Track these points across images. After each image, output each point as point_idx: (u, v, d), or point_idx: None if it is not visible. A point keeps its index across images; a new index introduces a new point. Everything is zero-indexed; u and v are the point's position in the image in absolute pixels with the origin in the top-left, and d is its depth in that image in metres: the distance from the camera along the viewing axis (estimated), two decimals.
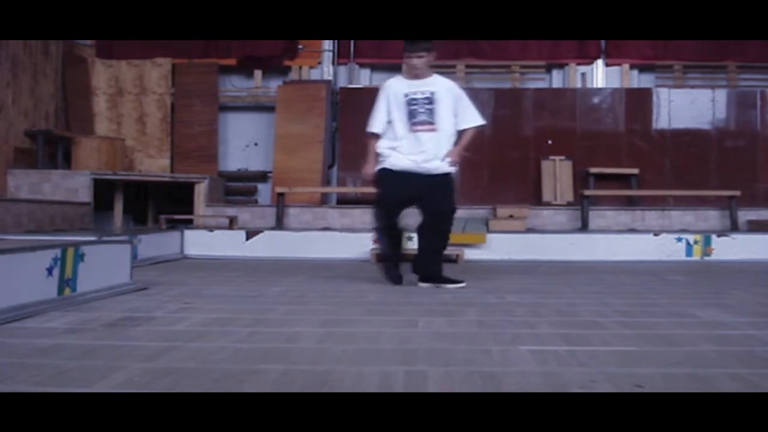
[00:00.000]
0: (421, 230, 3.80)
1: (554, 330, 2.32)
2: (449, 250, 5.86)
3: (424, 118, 3.70)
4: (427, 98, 3.71)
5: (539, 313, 2.72)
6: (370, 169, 3.84)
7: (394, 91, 3.77)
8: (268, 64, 8.62)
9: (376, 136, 3.82)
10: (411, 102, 3.71)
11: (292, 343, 2.10)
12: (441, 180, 3.73)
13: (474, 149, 7.93)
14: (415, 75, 3.76)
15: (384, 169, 3.75)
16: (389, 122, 3.78)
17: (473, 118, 3.82)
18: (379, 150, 3.80)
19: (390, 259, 3.89)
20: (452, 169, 3.78)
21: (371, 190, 8.03)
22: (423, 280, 3.72)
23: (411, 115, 3.71)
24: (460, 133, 3.81)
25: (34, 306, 2.59)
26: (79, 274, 2.98)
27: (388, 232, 3.83)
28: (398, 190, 3.70)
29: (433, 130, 3.70)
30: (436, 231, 3.76)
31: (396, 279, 3.81)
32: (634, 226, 7.23)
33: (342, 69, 8.74)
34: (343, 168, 8.16)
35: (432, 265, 3.74)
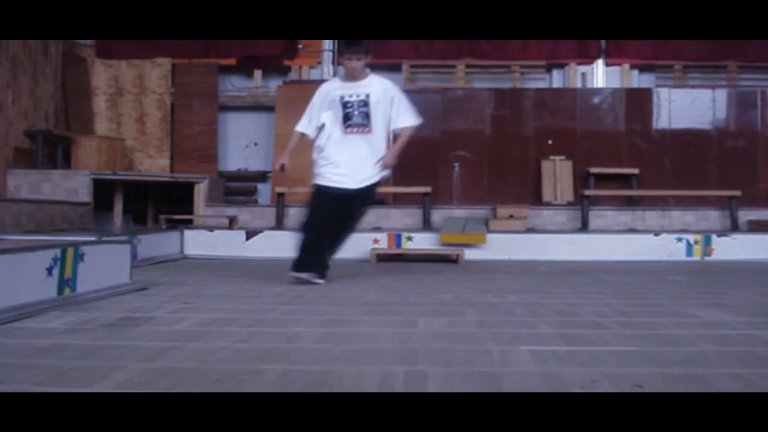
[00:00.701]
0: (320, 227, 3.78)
1: (554, 330, 2.32)
2: (449, 250, 5.88)
3: (359, 120, 3.73)
4: (362, 101, 3.73)
5: (539, 313, 2.72)
6: (282, 160, 3.93)
7: (328, 93, 3.82)
8: (268, 64, 8.62)
9: (300, 133, 3.92)
10: (346, 105, 3.74)
11: (292, 343, 2.10)
12: (364, 193, 3.79)
13: (474, 149, 7.98)
14: (352, 77, 3.79)
15: (316, 186, 3.81)
16: (321, 125, 3.82)
17: (408, 119, 3.84)
18: (314, 156, 3.87)
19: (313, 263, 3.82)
20: (378, 179, 3.81)
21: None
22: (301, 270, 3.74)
23: (346, 117, 3.74)
24: (396, 135, 3.84)
25: (34, 306, 2.59)
26: (79, 274, 2.98)
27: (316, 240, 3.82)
28: (326, 211, 3.76)
29: (367, 132, 3.73)
30: (338, 231, 3.84)
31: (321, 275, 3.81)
32: (635, 226, 7.23)
33: (342, 69, 8.73)
34: None
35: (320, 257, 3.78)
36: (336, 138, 3.76)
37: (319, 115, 3.84)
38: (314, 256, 3.78)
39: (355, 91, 3.75)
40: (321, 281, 3.78)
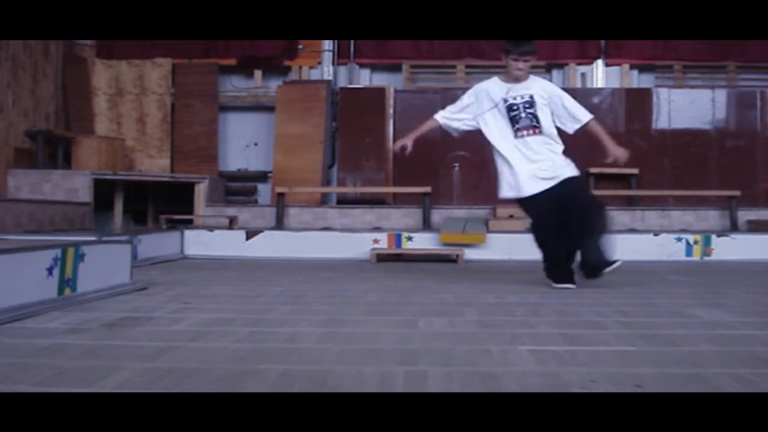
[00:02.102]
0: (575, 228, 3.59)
1: (554, 330, 2.32)
2: (449, 250, 5.88)
3: (527, 123, 3.60)
4: (527, 102, 3.61)
5: (539, 313, 2.72)
6: (402, 143, 3.77)
7: (487, 93, 3.67)
8: (268, 64, 8.62)
9: (434, 120, 3.78)
10: (512, 107, 3.61)
11: (292, 343, 2.10)
12: (569, 181, 3.62)
13: (474, 149, 7.97)
14: (514, 78, 3.65)
15: (530, 198, 3.61)
16: (463, 119, 3.71)
17: (585, 113, 3.76)
18: (498, 167, 3.71)
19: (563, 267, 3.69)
20: (576, 172, 3.67)
21: (371, 190, 8.04)
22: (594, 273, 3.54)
23: (513, 120, 3.61)
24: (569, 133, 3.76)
25: (34, 306, 2.59)
26: (80, 274, 2.98)
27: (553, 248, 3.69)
28: (547, 211, 3.59)
29: (538, 133, 3.60)
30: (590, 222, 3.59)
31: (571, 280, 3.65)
32: (634, 226, 7.23)
33: (342, 69, 8.74)
34: (343, 168, 8.16)
35: (601, 255, 3.52)
36: (509, 143, 3.63)
37: (467, 114, 3.72)
38: (564, 264, 3.65)
39: (519, 92, 3.62)
40: (571, 286, 3.59)
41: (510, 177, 3.67)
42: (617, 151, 3.78)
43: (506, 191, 3.72)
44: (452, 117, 3.78)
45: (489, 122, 3.69)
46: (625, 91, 8.27)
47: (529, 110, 3.61)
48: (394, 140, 8.09)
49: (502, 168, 3.72)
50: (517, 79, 3.65)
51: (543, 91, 3.67)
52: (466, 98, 3.76)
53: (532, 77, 3.73)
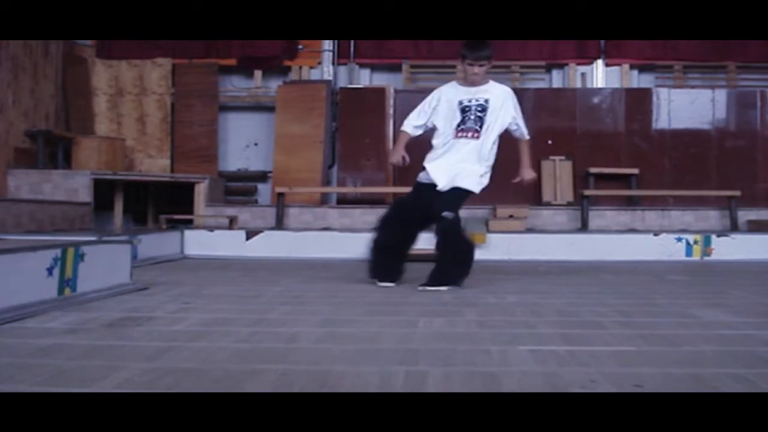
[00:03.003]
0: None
1: (554, 330, 2.32)
2: None
3: (471, 125, 3.64)
4: (480, 105, 3.66)
5: (539, 313, 2.72)
6: (397, 156, 3.80)
7: (448, 98, 3.71)
8: (268, 64, 8.62)
9: (404, 133, 3.81)
10: (465, 109, 3.66)
11: (292, 343, 2.10)
12: (448, 194, 3.63)
13: None
14: (471, 82, 3.69)
15: (416, 183, 3.73)
16: (432, 127, 3.75)
17: (525, 130, 3.84)
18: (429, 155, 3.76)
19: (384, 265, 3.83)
20: (470, 188, 3.67)
21: (371, 190, 8.04)
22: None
23: (461, 121, 3.65)
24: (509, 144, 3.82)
25: (34, 306, 2.59)
26: (80, 274, 2.98)
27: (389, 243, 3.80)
28: (417, 206, 3.69)
29: (476, 137, 3.64)
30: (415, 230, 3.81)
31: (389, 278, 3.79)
32: (634, 226, 7.23)
33: (342, 69, 8.74)
34: (343, 168, 8.16)
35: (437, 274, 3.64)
36: (444, 142, 3.69)
37: (430, 117, 3.75)
38: (385, 261, 3.81)
39: (475, 95, 3.67)
40: (391, 285, 3.73)
41: (430, 164, 3.72)
42: (529, 174, 3.87)
43: (421, 176, 3.78)
44: (419, 124, 3.81)
45: (440, 122, 3.73)
46: (625, 91, 8.27)
47: (479, 113, 3.66)
48: (394, 140, 8.09)
49: (429, 157, 3.76)
50: (473, 83, 3.70)
51: (499, 97, 3.71)
52: (431, 102, 3.78)
53: (491, 82, 3.78)
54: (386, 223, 3.84)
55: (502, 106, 3.69)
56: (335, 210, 7.49)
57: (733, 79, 8.44)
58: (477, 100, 3.66)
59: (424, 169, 3.79)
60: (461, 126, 3.65)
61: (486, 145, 3.66)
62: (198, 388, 1.54)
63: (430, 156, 3.78)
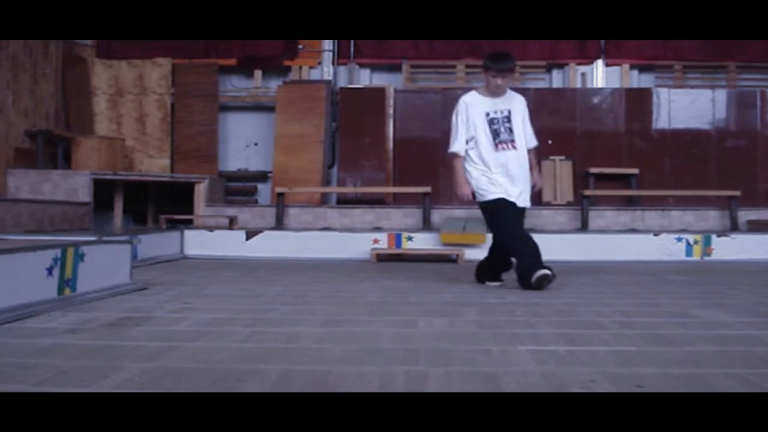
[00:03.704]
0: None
1: (554, 330, 2.32)
2: (449, 250, 5.88)
3: (506, 137, 3.70)
4: (505, 117, 3.71)
5: (539, 313, 2.72)
6: (467, 189, 3.78)
7: (475, 109, 3.72)
8: (268, 64, 8.62)
9: (458, 156, 3.79)
10: (492, 121, 3.70)
11: (292, 343, 2.10)
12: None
13: None
14: (493, 93, 3.73)
15: (501, 200, 3.69)
16: (471, 140, 3.75)
17: (534, 138, 3.88)
18: (471, 174, 3.76)
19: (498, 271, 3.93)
20: (528, 204, 3.83)
21: (371, 190, 8.04)
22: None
23: (495, 133, 3.70)
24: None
25: (34, 306, 2.59)
26: (79, 274, 2.98)
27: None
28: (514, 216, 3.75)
29: (514, 148, 3.70)
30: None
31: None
32: (634, 226, 7.23)
33: (342, 69, 8.74)
34: (343, 168, 8.16)
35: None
36: (489, 155, 3.70)
37: (466, 132, 3.75)
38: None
39: (499, 107, 3.72)
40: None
41: (490, 182, 3.70)
42: (539, 180, 3.94)
43: (490, 193, 3.71)
44: (466, 140, 3.77)
45: (475, 133, 3.74)
46: (625, 91, 8.27)
47: (507, 124, 3.72)
48: (394, 140, 8.11)
49: (481, 176, 3.73)
50: (496, 94, 3.73)
51: (520, 106, 3.79)
52: (462, 115, 3.78)
53: (510, 92, 3.82)
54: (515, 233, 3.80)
55: (522, 117, 3.78)
56: (335, 210, 7.49)
57: (733, 79, 8.44)
58: (502, 112, 3.72)
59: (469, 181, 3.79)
60: (497, 139, 3.70)
61: (523, 154, 3.74)
62: (198, 388, 1.54)
63: (481, 170, 3.74)
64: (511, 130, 3.71)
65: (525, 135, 3.78)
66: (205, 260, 5.74)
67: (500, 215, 3.71)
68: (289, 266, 5.16)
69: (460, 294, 3.41)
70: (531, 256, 3.58)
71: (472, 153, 3.74)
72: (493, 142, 3.69)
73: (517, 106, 3.77)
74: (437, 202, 7.49)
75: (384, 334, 2.23)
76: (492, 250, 3.94)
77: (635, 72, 8.63)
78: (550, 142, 8.06)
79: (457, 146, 3.76)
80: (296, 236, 6.28)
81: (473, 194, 3.78)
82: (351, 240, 6.14)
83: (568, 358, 1.88)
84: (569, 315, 2.70)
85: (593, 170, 7.87)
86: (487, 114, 3.70)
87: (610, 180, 7.93)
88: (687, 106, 8.12)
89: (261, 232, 6.31)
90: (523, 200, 3.73)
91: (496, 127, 3.69)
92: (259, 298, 3.21)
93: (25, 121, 7.20)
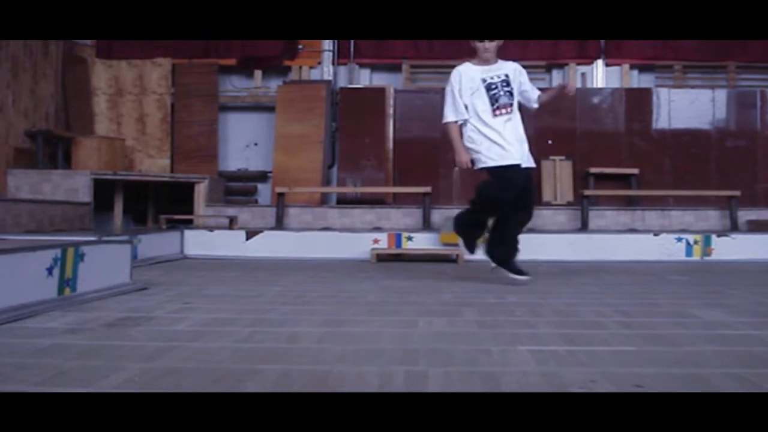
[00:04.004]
0: (505, 220, 3.84)
1: (554, 330, 2.32)
2: (449, 250, 5.87)
3: (505, 101, 3.74)
4: (504, 80, 3.76)
5: (539, 313, 2.72)
6: (465, 157, 3.77)
7: (470, 75, 3.76)
8: (268, 64, 8.62)
9: (454, 124, 3.79)
10: (491, 87, 3.73)
11: (292, 343, 2.10)
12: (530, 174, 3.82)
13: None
14: (485, 60, 3.77)
15: (512, 165, 3.67)
16: (466, 107, 3.76)
17: (536, 89, 3.94)
18: (469, 140, 3.75)
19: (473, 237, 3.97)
20: (533, 164, 3.86)
21: (371, 190, 8.03)
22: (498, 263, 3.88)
23: (493, 99, 3.72)
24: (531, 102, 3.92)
25: (34, 306, 2.59)
26: (79, 274, 2.98)
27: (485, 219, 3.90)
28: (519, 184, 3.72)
29: (511, 112, 3.75)
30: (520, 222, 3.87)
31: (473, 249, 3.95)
32: (634, 226, 7.23)
33: (342, 69, 8.74)
34: (343, 168, 8.16)
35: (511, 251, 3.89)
36: (489, 120, 3.71)
37: (464, 99, 3.76)
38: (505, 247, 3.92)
39: (495, 72, 3.77)
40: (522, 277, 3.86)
41: (496, 147, 3.69)
42: (572, 87, 3.96)
43: (492, 160, 3.69)
44: (460, 111, 3.79)
45: (473, 100, 3.76)
46: (625, 91, 8.27)
47: (506, 88, 3.76)
48: (395, 140, 8.11)
49: (483, 143, 3.72)
50: (487, 61, 3.78)
51: (514, 71, 3.85)
52: (456, 84, 3.80)
53: (500, 61, 3.86)
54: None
55: (520, 79, 3.84)
56: (335, 210, 7.49)
57: (733, 79, 8.44)
58: (499, 77, 3.76)
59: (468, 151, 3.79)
60: (496, 104, 3.72)
61: (519, 119, 3.80)
62: (198, 388, 1.54)
63: (477, 138, 3.74)
64: (510, 93, 3.75)
65: (529, 92, 3.86)
66: (205, 260, 5.74)
67: (503, 183, 3.69)
68: (289, 266, 5.16)
69: (460, 294, 3.41)
70: (505, 246, 3.81)
71: (471, 120, 3.75)
72: (491, 108, 3.72)
73: (512, 72, 3.81)
74: (437, 202, 7.49)
75: (384, 334, 2.23)
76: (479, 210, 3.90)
77: (635, 72, 8.63)
78: (550, 142, 8.06)
79: (452, 114, 3.78)
80: (296, 236, 6.28)
81: (472, 162, 3.78)
82: (351, 240, 6.14)
83: (568, 358, 1.88)
84: (569, 315, 2.70)
85: (593, 170, 7.87)
86: (484, 80, 3.74)
87: (610, 180, 7.93)
88: (687, 106, 8.12)
89: (261, 232, 6.30)
90: (527, 161, 3.77)
91: (494, 92, 3.72)
92: (259, 298, 3.21)
93: (25, 121, 7.20)
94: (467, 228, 3.97)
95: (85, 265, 3.03)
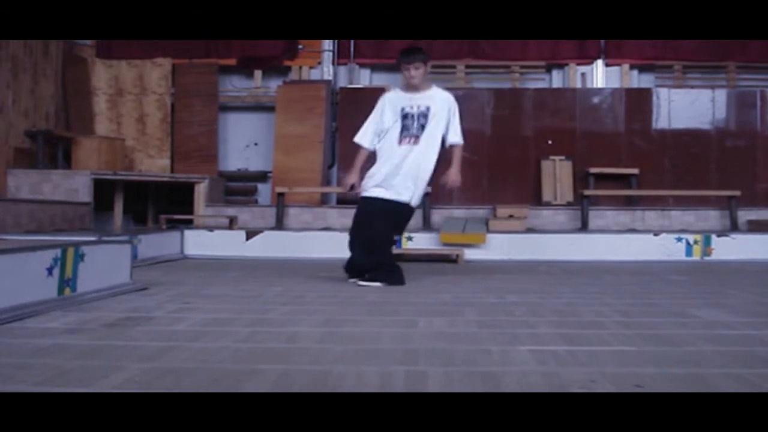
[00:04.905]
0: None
1: (554, 330, 2.32)
2: (449, 250, 5.88)
3: (413, 132, 3.70)
4: (422, 112, 3.69)
5: (539, 313, 2.72)
6: (351, 179, 3.83)
7: (392, 104, 3.75)
8: (268, 64, 8.62)
9: (361, 147, 3.81)
10: (406, 116, 3.70)
11: (292, 343, 2.10)
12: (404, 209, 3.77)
13: (474, 149, 7.98)
14: (413, 87, 3.73)
15: (372, 199, 3.72)
16: (381, 133, 3.76)
17: (459, 136, 3.81)
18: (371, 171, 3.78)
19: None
20: (410, 199, 3.76)
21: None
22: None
23: (404, 128, 3.71)
24: (445, 149, 3.82)
25: (34, 306, 2.59)
26: (80, 274, 2.98)
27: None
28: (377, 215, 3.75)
29: (416, 143, 3.69)
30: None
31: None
32: (634, 226, 7.23)
33: (342, 69, 8.74)
34: (343, 168, 8.14)
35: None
36: (389, 148, 3.73)
37: (377, 126, 3.78)
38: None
39: (417, 102, 3.71)
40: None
41: (376, 177, 3.73)
42: (456, 177, 3.85)
43: (367, 190, 3.76)
44: (370, 138, 3.81)
45: (386, 128, 3.77)
46: (625, 91, 8.27)
47: (421, 120, 3.71)
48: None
49: (374, 170, 3.77)
50: (415, 88, 3.74)
51: (443, 104, 3.76)
52: (378, 110, 3.81)
53: (435, 88, 3.82)
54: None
55: (445, 114, 3.75)
56: (335, 210, 7.49)
57: (733, 79, 8.44)
58: (419, 107, 3.71)
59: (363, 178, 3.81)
60: (404, 133, 3.70)
61: (426, 153, 3.71)
62: (198, 388, 1.54)
63: (375, 169, 3.77)
64: (423, 126, 3.69)
65: (446, 132, 3.75)
66: (205, 260, 5.74)
67: (363, 215, 3.78)
68: (289, 266, 5.16)
69: (460, 294, 3.41)
70: (365, 258, 3.79)
71: (379, 146, 3.77)
72: (399, 136, 3.70)
73: (439, 103, 3.73)
74: (437, 202, 7.49)
75: (384, 334, 2.23)
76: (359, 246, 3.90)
77: (635, 72, 8.63)
78: (550, 142, 8.06)
79: (359, 137, 3.81)
80: (296, 236, 6.28)
81: (352, 187, 3.82)
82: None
83: (568, 358, 1.88)
84: (569, 315, 2.70)
85: (593, 170, 7.88)
86: (402, 109, 3.72)
87: (610, 180, 7.93)
88: (687, 106, 8.12)
89: (261, 232, 6.30)
90: (409, 197, 3.71)
91: (407, 122, 3.70)
92: (259, 298, 3.20)
93: (25, 121, 7.20)
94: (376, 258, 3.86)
95: (85, 265, 3.03)
